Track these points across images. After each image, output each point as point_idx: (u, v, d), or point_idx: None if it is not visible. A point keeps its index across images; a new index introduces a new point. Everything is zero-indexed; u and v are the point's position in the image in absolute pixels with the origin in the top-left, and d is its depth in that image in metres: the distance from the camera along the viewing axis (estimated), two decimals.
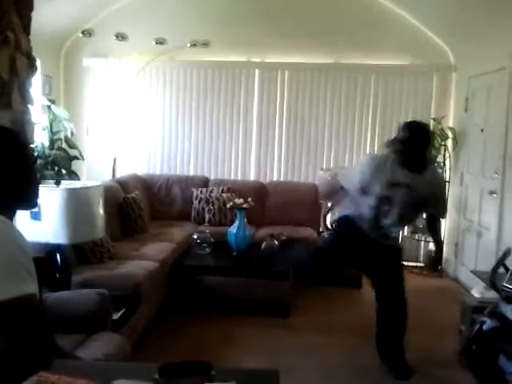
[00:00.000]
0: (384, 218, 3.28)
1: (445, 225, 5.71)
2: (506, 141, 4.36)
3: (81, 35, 5.23)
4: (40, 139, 4.64)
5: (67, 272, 3.07)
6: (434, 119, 5.58)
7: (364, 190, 3.28)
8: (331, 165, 5.90)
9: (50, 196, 2.87)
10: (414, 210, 3.37)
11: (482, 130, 4.96)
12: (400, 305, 3.35)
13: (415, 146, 3.21)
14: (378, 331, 3.46)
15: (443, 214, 3.54)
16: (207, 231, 4.72)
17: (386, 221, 3.28)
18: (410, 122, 3.47)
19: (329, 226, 5.66)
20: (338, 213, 3.77)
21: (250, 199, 4.64)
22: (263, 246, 4.39)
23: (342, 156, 5.99)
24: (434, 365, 3.47)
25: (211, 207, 5.49)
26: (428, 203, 3.30)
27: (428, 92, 5.85)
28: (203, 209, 5.54)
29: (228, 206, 4.87)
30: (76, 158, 4.92)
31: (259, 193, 5.64)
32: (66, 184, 3.25)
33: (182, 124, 6.15)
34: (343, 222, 3.51)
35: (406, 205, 3.23)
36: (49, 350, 1.45)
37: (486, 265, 3.79)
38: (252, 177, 6.15)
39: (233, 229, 4.58)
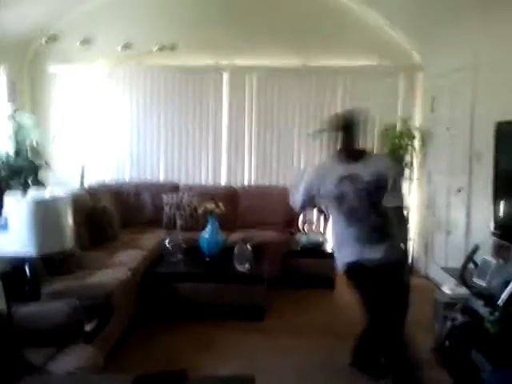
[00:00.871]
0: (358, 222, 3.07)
1: (414, 224, 5.80)
2: (472, 139, 4.45)
3: (45, 42, 5.13)
4: (5, 148, 4.55)
5: (37, 284, 3.00)
6: (401, 119, 5.67)
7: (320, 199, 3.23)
8: (302, 167, 5.92)
9: (17, 207, 2.80)
10: (373, 199, 3.05)
11: (448, 129, 5.04)
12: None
13: (345, 133, 3.08)
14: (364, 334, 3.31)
15: (400, 199, 3.08)
16: (179, 237, 4.68)
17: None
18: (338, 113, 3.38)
19: (300, 227, 5.65)
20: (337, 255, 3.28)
21: (221, 204, 4.62)
22: (235, 250, 4.37)
23: (312, 158, 6.01)
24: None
25: (182, 213, 5.45)
26: (381, 188, 3.01)
27: (395, 92, 5.91)
28: (174, 215, 5.49)
29: (199, 211, 4.82)
30: (42, 166, 4.84)
31: (231, 197, 5.63)
32: (33, 193, 3.17)
33: (151, 129, 6.09)
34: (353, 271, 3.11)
35: (361, 195, 3.11)
36: (17, 366, 1.41)
37: (456, 262, 3.85)
38: (223, 181, 6.13)
39: (205, 234, 4.55)
